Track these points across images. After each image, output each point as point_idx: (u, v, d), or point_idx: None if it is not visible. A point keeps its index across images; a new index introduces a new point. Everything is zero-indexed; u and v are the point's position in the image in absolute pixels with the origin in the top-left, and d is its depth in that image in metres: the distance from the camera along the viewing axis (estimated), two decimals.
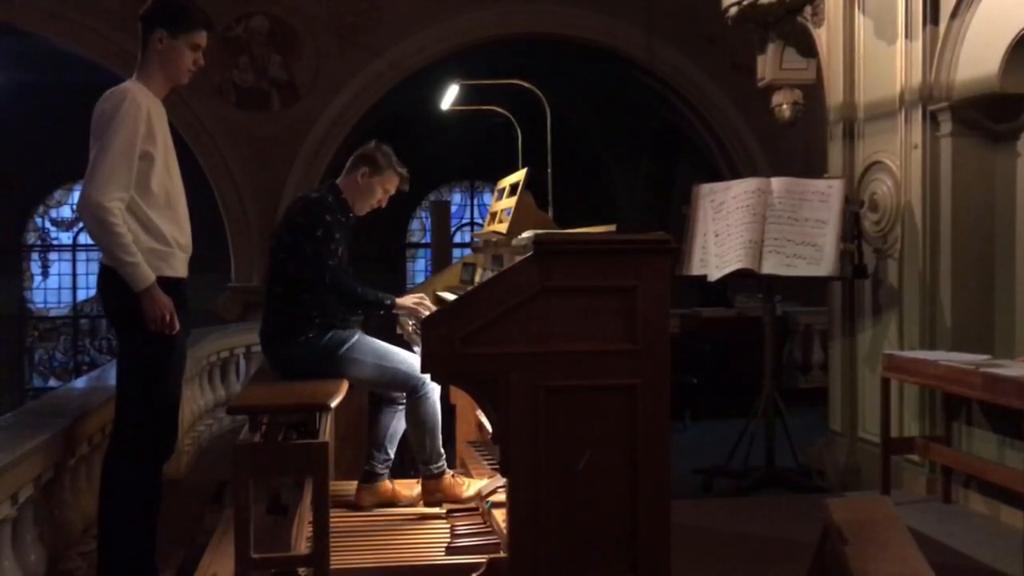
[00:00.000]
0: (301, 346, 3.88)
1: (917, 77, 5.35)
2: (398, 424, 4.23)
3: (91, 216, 3.22)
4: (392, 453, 4.29)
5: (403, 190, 4.23)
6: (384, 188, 4.17)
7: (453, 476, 4.20)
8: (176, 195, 3.44)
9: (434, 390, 4.01)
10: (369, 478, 4.22)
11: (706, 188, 5.89)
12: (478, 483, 4.16)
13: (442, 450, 4.14)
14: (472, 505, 4.10)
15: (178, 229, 3.43)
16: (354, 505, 4.21)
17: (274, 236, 4.09)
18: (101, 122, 3.27)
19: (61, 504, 3.80)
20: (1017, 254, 5.13)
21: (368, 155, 4.14)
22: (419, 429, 4.05)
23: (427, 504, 4.14)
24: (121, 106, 3.25)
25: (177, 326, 3.34)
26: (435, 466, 4.11)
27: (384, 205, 4.25)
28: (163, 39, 3.40)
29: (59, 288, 17.93)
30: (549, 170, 5.74)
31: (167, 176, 3.39)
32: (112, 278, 3.29)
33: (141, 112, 3.28)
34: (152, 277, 3.27)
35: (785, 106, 6.79)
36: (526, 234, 4.13)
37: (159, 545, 3.56)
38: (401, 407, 4.16)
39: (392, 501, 4.21)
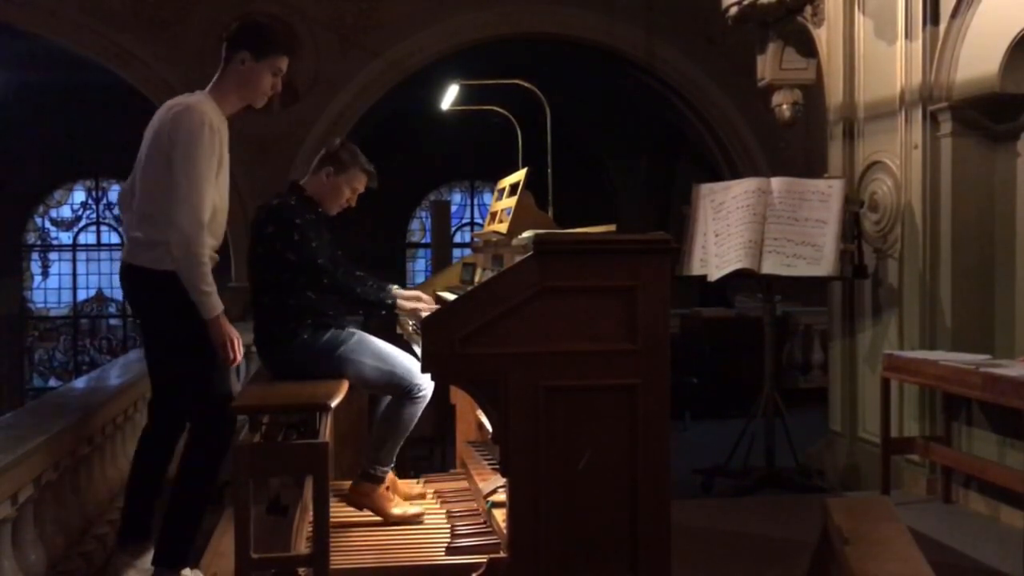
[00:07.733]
0: (298, 349, 3.79)
1: (917, 77, 5.35)
2: None
3: (183, 246, 3.29)
4: None
5: (371, 187, 4.09)
6: (352, 187, 4.04)
7: (387, 488, 4.06)
8: (221, 209, 3.51)
9: (425, 398, 3.92)
10: None
11: (706, 188, 5.89)
12: (409, 507, 4.06)
13: (394, 459, 4.01)
14: (472, 505, 4.09)
15: (215, 240, 3.49)
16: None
17: (249, 249, 3.96)
18: (177, 140, 3.34)
19: (61, 504, 3.79)
20: (1017, 254, 5.12)
21: (332, 154, 4.01)
22: (390, 429, 3.93)
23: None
24: (201, 131, 3.35)
25: (240, 354, 3.43)
26: (381, 468, 3.98)
27: (354, 204, 4.12)
28: (246, 60, 3.55)
29: (59, 288, 17.89)
30: (549, 170, 5.74)
31: (217, 193, 3.46)
32: (168, 281, 3.32)
33: (215, 136, 3.39)
34: (221, 306, 3.36)
35: (785, 106, 6.79)
36: (526, 234, 4.12)
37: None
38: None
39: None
